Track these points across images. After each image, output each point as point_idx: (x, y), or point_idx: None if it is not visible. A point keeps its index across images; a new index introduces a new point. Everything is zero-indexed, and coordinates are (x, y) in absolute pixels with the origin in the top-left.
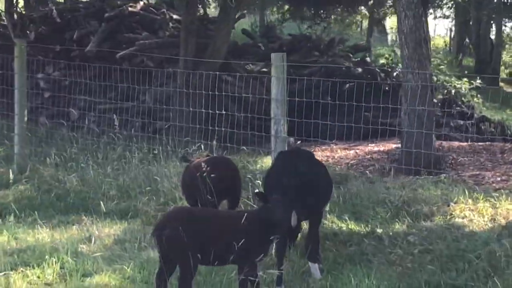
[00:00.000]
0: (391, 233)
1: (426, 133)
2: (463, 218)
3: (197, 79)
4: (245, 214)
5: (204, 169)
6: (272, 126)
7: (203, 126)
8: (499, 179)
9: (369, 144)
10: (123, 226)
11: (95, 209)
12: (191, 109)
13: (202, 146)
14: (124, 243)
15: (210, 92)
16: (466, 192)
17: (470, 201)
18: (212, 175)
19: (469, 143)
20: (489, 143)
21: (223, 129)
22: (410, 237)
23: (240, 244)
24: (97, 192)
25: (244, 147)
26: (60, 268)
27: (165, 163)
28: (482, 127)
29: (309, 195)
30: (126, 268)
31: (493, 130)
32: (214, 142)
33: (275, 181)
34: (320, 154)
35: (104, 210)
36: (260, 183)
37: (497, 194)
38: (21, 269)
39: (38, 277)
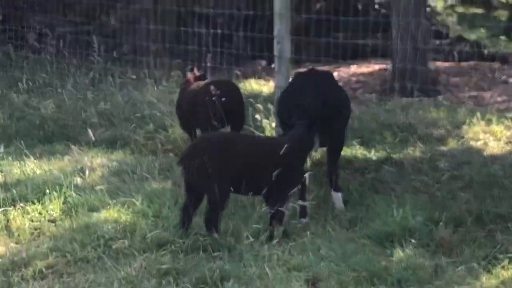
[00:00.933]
0: (408, 159)
1: (420, 49)
2: (477, 141)
3: None
4: (284, 141)
5: (214, 92)
6: (275, 45)
7: (196, 47)
8: (499, 99)
9: (351, 66)
10: (115, 156)
11: (77, 138)
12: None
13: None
14: (122, 175)
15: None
16: (479, 115)
17: (482, 123)
18: (223, 100)
19: (455, 63)
20: (475, 62)
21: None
22: (440, 164)
23: (277, 173)
24: (77, 120)
25: (237, 71)
26: (63, 203)
27: (153, 87)
28: (458, 47)
29: (331, 118)
30: (135, 201)
31: (469, 50)
32: (208, 64)
33: (294, 103)
34: None
35: (94, 138)
36: (261, 107)
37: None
38: (21, 204)
39: (40, 213)
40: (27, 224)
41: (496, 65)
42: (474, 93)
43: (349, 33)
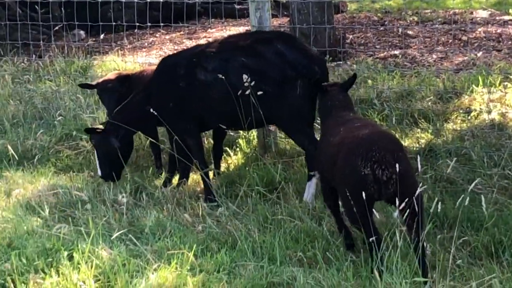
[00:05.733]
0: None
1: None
2: (488, 113)
3: None
4: None
5: None
6: (253, 13)
7: None
8: (435, 56)
9: (209, 30)
10: (48, 178)
11: None
12: None
13: None
14: (81, 206)
15: None
16: (490, 79)
17: (482, 89)
18: None
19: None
20: (350, 14)
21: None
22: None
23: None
24: None
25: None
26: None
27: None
28: None
29: None
30: (186, 252)
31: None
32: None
33: None
34: (150, 51)
35: (17, 157)
36: None
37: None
38: (34, 276)
39: None
40: None
41: (372, 15)
42: (395, 52)
43: None
